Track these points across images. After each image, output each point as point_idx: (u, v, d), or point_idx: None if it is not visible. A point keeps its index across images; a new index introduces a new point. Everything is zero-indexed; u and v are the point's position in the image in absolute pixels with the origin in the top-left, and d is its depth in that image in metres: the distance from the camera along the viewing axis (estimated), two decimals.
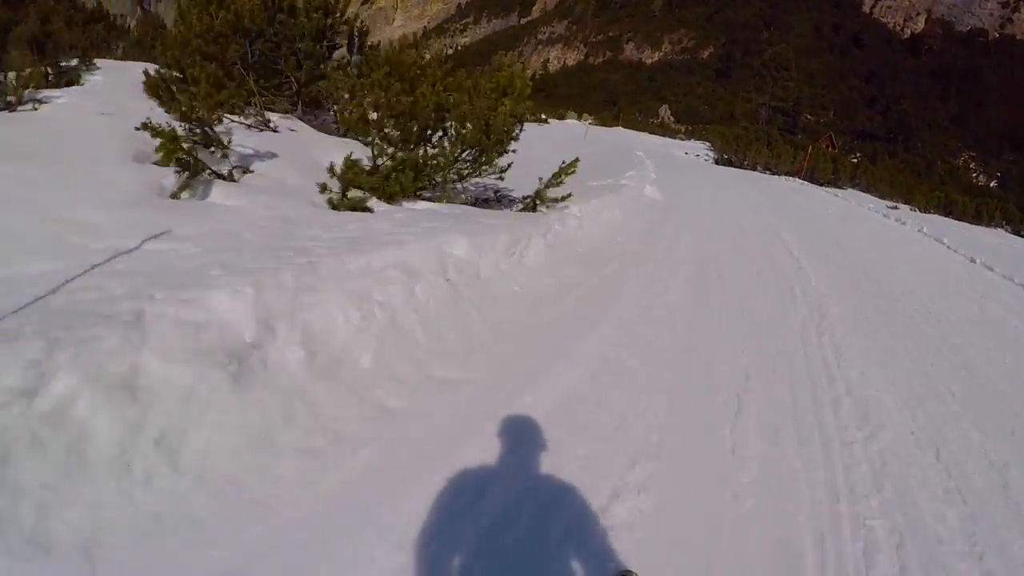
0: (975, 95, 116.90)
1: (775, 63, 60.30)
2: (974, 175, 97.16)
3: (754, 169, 40.81)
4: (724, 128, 53.63)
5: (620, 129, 68.00)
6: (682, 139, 72.72)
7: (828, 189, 37.20)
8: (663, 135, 74.34)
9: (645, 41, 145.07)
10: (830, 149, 58.30)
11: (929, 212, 35.17)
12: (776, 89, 60.20)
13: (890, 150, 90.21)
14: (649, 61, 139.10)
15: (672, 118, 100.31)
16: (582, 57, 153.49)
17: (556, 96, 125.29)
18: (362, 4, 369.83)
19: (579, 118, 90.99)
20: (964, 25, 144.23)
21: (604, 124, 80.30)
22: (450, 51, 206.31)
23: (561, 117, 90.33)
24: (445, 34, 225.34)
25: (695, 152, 45.32)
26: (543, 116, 59.10)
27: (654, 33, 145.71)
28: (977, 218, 36.52)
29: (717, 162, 42.57)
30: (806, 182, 38.06)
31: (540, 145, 20.66)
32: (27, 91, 8.44)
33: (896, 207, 31.51)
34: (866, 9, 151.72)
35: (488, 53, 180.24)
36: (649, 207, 15.13)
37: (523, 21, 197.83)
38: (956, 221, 33.60)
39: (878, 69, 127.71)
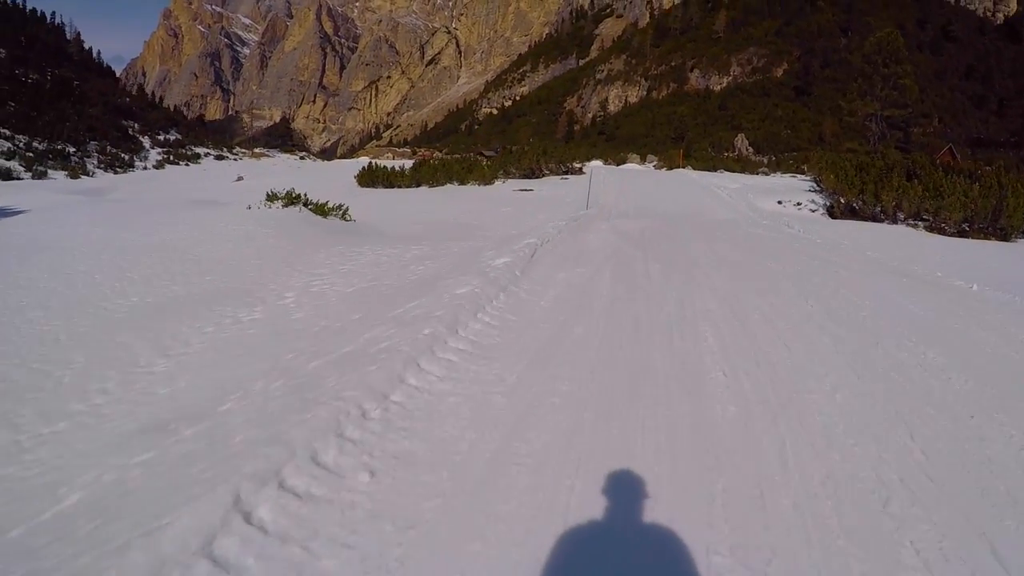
0: None
1: (883, 54, 44.51)
2: None
3: (916, 225, 25.89)
4: (831, 154, 38.20)
5: (686, 172, 53.59)
6: (765, 174, 57.79)
7: None
8: (742, 171, 59.62)
9: (711, 66, 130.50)
10: (951, 164, 43.95)
11: None
12: (887, 91, 44.54)
13: (1023, 157, 73.01)
14: (718, 87, 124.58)
15: (750, 148, 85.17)
16: (644, 92, 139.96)
17: (618, 138, 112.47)
18: (427, 66, 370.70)
19: (642, 160, 77.41)
20: None
21: (671, 165, 66.58)
22: (508, 103, 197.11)
23: (621, 161, 77.25)
24: (504, 85, 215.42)
25: (794, 199, 30.45)
26: (572, 164, 45.67)
27: (720, 56, 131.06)
28: None
29: (832, 214, 28.00)
30: None
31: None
32: None
33: None
34: None
35: (547, 100, 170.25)
36: None
37: (581, 63, 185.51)
38: None
39: (977, 63, 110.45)
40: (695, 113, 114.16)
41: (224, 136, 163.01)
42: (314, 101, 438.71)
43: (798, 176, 52.32)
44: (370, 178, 38.97)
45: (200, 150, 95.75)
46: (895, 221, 26.27)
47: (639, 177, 43.40)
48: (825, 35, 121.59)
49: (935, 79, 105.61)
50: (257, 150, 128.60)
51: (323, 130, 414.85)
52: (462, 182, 38.02)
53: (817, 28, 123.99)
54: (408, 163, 45.53)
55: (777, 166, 69.37)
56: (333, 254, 12.46)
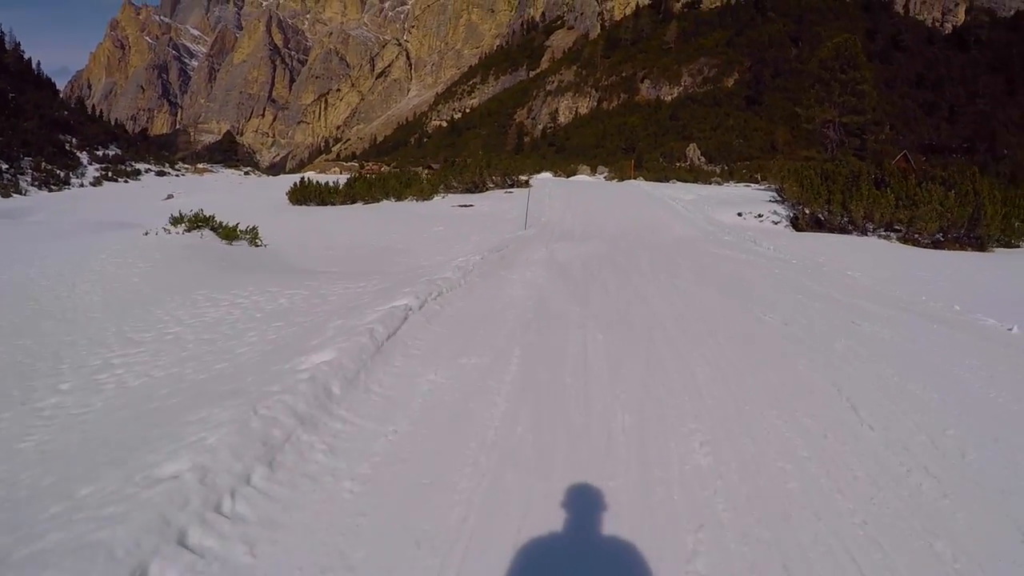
0: None
1: (840, 60, 42.50)
2: None
3: (888, 236, 23.50)
4: (792, 163, 35.94)
5: (638, 183, 51.23)
6: (718, 183, 55.82)
7: None
8: (695, 181, 57.68)
9: (662, 76, 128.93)
10: (906, 169, 42.72)
11: None
12: (846, 97, 42.59)
13: (975, 162, 71.69)
14: (668, 98, 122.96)
15: (703, 158, 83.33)
16: (594, 103, 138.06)
17: (568, 150, 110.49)
18: (377, 79, 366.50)
19: (592, 172, 75.10)
20: (1007, 10, 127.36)
21: (622, 176, 64.38)
22: (458, 115, 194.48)
23: (571, 173, 74.95)
24: (453, 97, 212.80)
25: (754, 211, 28.04)
26: (517, 177, 43.05)
27: (671, 66, 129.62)
28: None
29: (797, 226, 25.63)
30: None
31: None
32: None
33: None
34: (899, 9, 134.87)
35: (497, 112, 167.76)
36: None
37: (532, 74, 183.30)
38: None
39: (927, 71, 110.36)
40: (646, 123, 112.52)
41: (168, 151, 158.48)
42: (263, 115, 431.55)
43: (752, 185, 50.37)
44: (302, 195, 35.96)
45: (141, 166, 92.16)
46: (864, 232, 23.99)
47: (588, 189, 41.13)
48: (776, 45, 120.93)
49: (885, 87, 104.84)
50: (200, 165, 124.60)
51: (272, 144, 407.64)
52: (399, 198, 35.19)
53: (768, 38, 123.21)
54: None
55: (730, 175, 67.48)
56: (187, 302, 9.79)
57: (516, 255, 14.44)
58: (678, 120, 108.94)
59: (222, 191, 55.39)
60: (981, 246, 21.57)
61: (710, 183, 56.84)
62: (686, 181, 57.48)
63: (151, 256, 13.05)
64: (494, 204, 30.87)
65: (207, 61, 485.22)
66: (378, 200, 35.29)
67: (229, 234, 17.62)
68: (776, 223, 26.21)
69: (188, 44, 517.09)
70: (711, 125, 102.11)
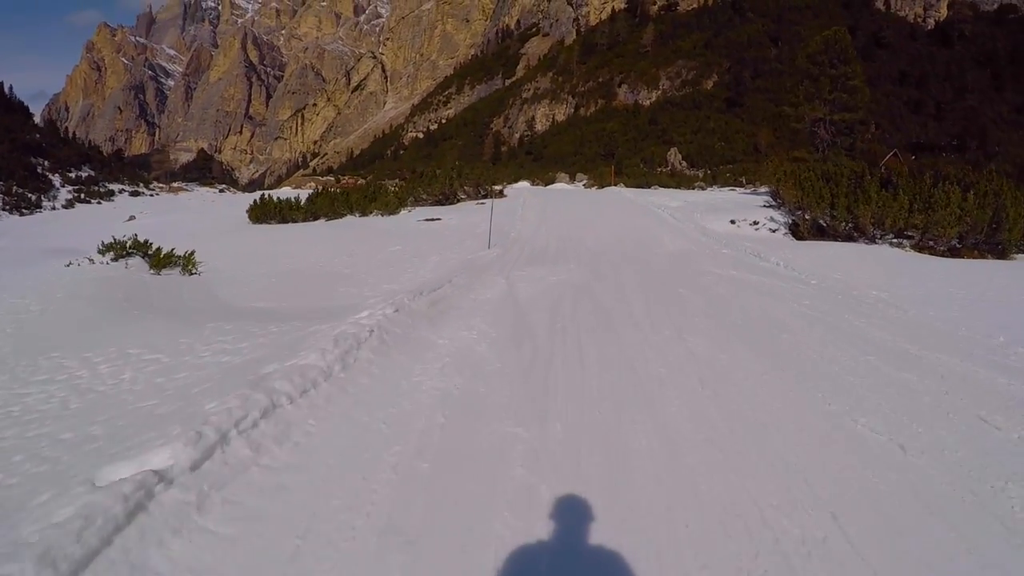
0: None
1: (830, 54, 40.04)
2: None
3: (901, 244, 20.79)
4: (789, 164, 33.47)
5: (619, 190, 48.84)
6: (702, 188, 53.62)
7: None
8: (677, 186, 55.41)
9: (639, 81, 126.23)
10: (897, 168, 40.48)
11: None
12: (837, 94, 40.25)
13: (967, 160, 69.37)
14: (647, 102, 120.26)
15: (684, 163, 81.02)
16: (571, 110, 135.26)
17: (546, 158, 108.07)
18: (352, 92, 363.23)
19: (571, 179, 72.68)
20: (991, 3, 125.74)
21: (602, 183, 62.12)
22: (434, 126, 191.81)
23: (549, 181, 72.66)
24: (429, 108, 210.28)
25: (748, 218, 25.37)
26: (491, 187, 40.57)
27: (649, 70, 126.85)
28: None
29: (797, 233, 23.00)
30: None
31: None
32: None
33: None
34: (879, 6, 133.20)
35: (473, 122, 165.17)
36: None
37: (508, 83, 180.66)
38: None
39: (911, 68, 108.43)
40: (625, 129, 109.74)
41: (145, 171, 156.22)
42: (241, 132, 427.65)
43: (737, 189, 48.34)
44: (262, 213, 33.33)
45: (115, 187, 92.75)
46: (872, 239, 21.35)
47: (568, 198, 38.76)
48: (755, 45, 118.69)
49: (869, 85, 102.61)
50: (175, 184, 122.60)
51: (251, 161, 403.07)
52: (363, 213, 32.47)
53: (747, 39, 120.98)
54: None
55: (714, 180, 65.26)
56: (15, 377, 7.16)
57: (463, 293, 11.31)
58: (657, 124, 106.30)
59: (193, 210, 54.46)
60: (1002, 253, 18.98)
61: (693, 188, 54.68)
62: (668, 187, 55.32)
63: (52, 295, 11.71)
64: (463, 217, 28.13)
65: (183, 80, 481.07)
66: (341, 215, 32.69)
67: (159, 262, 16.24)
68: (774, 231, 23.62)
69: (164, 64, 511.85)
70: (691, 129, 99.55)
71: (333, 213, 32.95)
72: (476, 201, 35.37)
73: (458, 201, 35.86)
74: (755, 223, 24.51)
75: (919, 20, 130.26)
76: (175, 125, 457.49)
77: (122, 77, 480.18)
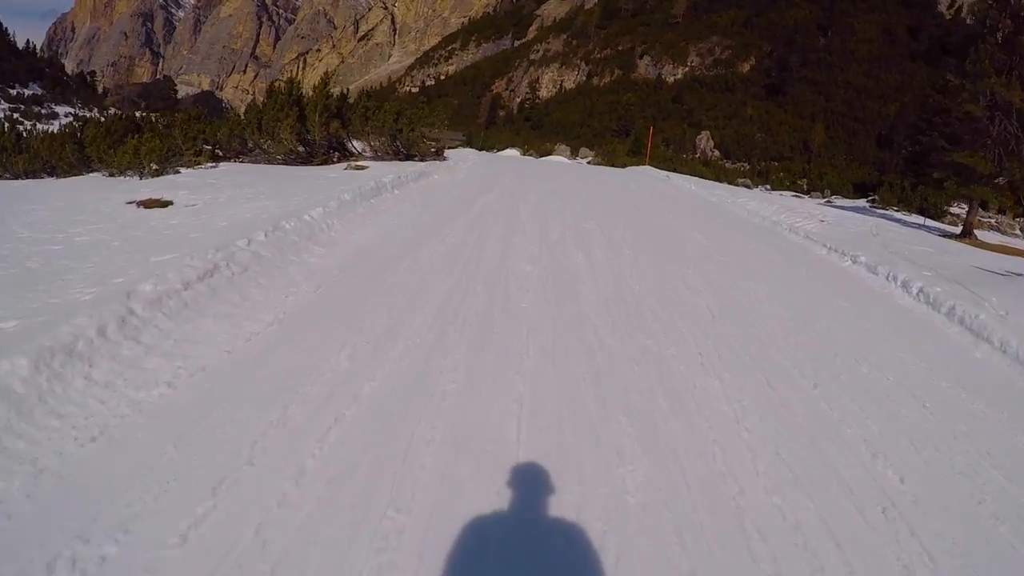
0: None
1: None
2: None
3: None
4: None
5: (649, 172, 29.37)
6: (747, 187, 35.85)
7: None
8: (716, 179, 37.27)
9: (665, 54, 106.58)
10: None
11: None
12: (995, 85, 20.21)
13: None
14: (671, 79, 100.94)
15: (716, 151, 61.92)
16: (583, 78, 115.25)
17: (547, 126, 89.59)
18: (359, 41, 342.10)
19: (573, 154, 53.32)
20: None
21: (614, 162, 43.10)
22: (431, 81, 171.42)
23: (546, 152, 53.25)
24: (429, 63, 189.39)
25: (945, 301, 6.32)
26: (429, 142, 20.27)
27: (677, 43, 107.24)
28: None
29: None
30: None
31: None
32: None
33: None
34: (942, 9, 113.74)
35: (473, 80, 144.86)
36: None
37: (517, 44, 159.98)
38: None
39: (945, 83, 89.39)
40: (643, 104, 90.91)
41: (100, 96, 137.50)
42: (245, 71, 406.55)
43: (808, 197, 32.11)
44: None
45: (61, 109, 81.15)
46: None
47: (563, 177, 21.06)
48: (801, 32, 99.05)
49: (932, 90, 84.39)
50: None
51: (251, 101, 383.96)
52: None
53: (793, 24, 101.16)
54: None
55: (764, 178, 46.33)
56: None
57: None
58: (682, 104, 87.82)
59: None
60: None
61: (736, 184, 36.21)
62: (706, 178, 36.56)
63: None
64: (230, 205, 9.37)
65: (193, 12, 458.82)
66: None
67: None
68: None
69: None
70: (724, 113, 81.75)
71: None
72: (350, 164, 15.89)
73: (350, 159, 16.89)
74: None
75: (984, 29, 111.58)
76: (180, 58, 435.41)
77: (132, 2, 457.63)
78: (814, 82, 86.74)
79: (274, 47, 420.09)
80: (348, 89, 27.79)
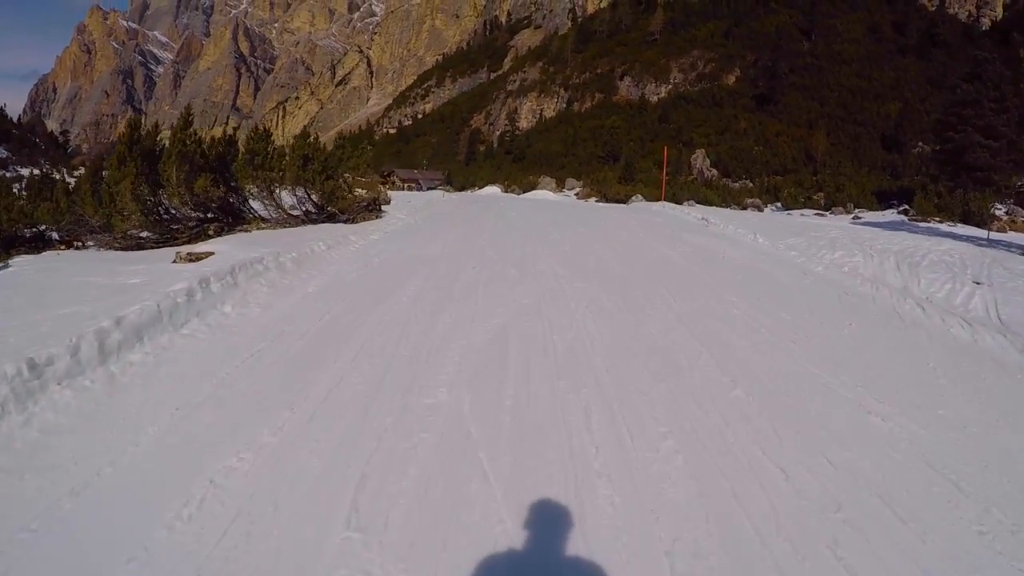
0: None
1: None
2: None
3: None
4: None
5: (660, 210, 22.86)
6: (757, 208, 31.55)
7: None
8: (722, 204, 31.93)
9: (646, 73, 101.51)
10: None
11: None
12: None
13: None
14: (655, 98, 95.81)
15: (713, 169, 56.57)
16: (563, 105, 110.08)
17: (529, 158, 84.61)
18: (336, 87, 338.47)
19: (559, 186, 47.93)
20: None
21: (607, 192, 37.72)
22: (408, 121, 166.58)
23: (529, 187, 47.99)
24: (406, 103, 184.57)
25: None
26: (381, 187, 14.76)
27: (657, 61, 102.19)
28: None
29: None
30: None
31: None
32: None
33: None
34: (925, 2, 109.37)
35: (451, 117, 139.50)
36: None
37: (493, 76, 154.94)
38: None
39: (976, 71, 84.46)
40: (629, 126, 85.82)
41: (69, 155, 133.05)
42: (227, 123, 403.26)
43: (831, 214, 28.80)
44: None
45: (26, 171, 73.28)
46: None
47: (551, 227, 14.81)
48: (784, 38, 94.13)
49: (932, 86, 79.73)
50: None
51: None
52: None
53: (774, 30, 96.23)
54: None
55: (773, 196, 40.92)
56: None
57: None
58: (669, 123, 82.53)
59: None
60: None
61: (746, 207, 30.92)
62: (711, 203, 31.23)
63: None
64: None
65: (172, 67, 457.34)
66: None
67: None
68: None
69: (155, 50, 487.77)
70: (715, 129, 76.39)
71: None
72: (179, 255, 10.15)
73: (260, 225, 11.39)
74: None
75: (971, 20, 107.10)
76: (161, 112, 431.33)
77: (111, 61, 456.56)
78: (805, 88, 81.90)
79: (254, 97, 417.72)
80: (318, 136, 26.73)
